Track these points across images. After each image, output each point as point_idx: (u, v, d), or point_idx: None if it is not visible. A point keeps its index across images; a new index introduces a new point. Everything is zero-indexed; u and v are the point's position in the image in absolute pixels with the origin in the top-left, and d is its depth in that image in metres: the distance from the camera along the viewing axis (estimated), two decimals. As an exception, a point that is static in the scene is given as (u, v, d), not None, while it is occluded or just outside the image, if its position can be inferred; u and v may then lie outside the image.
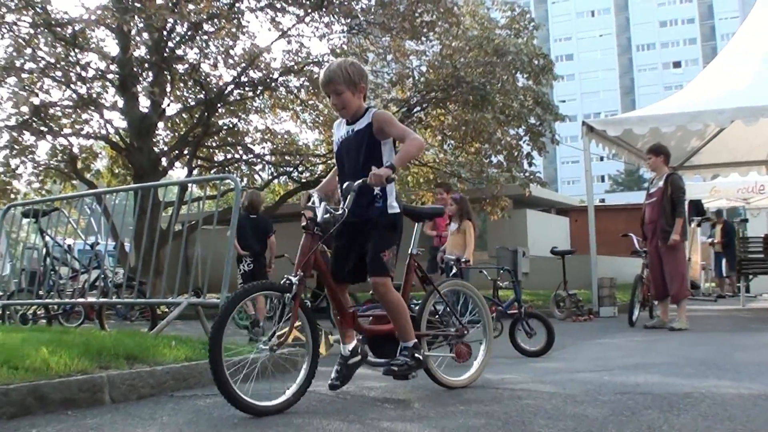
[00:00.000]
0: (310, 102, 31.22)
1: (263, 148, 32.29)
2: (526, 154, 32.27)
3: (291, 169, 33.94)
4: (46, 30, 25.48)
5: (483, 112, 28.40)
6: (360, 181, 6.88)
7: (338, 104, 7.34)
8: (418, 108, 31.01)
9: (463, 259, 13.83)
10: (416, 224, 8.35)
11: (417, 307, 8.05)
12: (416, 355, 7.16)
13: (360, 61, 28.42)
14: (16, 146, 28.35)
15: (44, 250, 16.59)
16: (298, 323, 7.04)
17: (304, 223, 7.12)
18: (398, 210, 7.41)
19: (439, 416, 6.40)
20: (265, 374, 7.01)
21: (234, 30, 27.31)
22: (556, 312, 18.42)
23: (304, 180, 33.52)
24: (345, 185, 7.03)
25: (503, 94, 28.86)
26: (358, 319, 7.50)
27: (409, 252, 7.99)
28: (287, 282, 6.84)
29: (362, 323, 7.58)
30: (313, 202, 7.30)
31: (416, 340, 7.29)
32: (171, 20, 25.40)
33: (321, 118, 32.71)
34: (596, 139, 20.98)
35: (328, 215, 7.02)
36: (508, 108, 29.38)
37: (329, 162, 31.82)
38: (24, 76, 26.50)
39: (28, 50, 26.42)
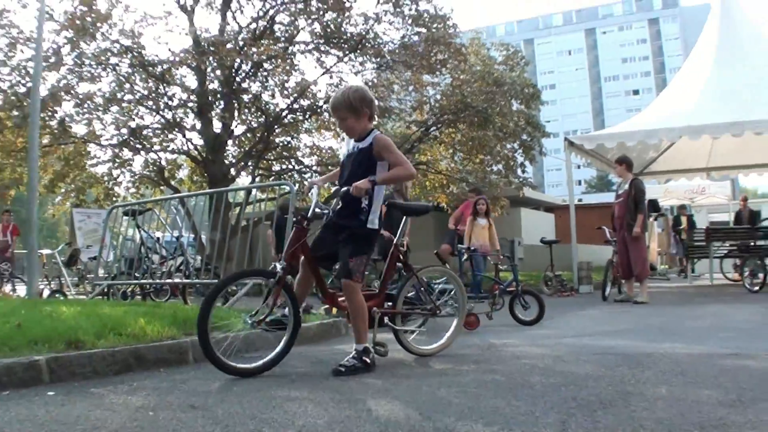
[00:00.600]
0: (347, 124, 31.12)
1: (311, 160, 32.25)
2: (520, 163, 32.48)
3: (333, 177, 33.69)
4: (141, 69, 25.67)
5: (486, 131, 28.55)
6: (345, 188, 6.72)
7: (343, 128, 7.23)
8: (434, 128, 30.98)
9: (492, 251, 14.21)
10: (405, 217, 8.31)
11: (396, 289, 7.76)
12: (364, 358, 6.60)
13: (387, 91, 28.60)
14: (117, 160, 28.69)
15: (139, 242, 16.60)
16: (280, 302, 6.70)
17: (296, 218, 7.01)
18: (376, 227, 6.99)
19: (455, 373, 6.38)
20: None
21: (288, 68, 27.34)
22: (545, 289, 18.41)
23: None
24: (334, 190, 7.04)
25: (501, 116, 28.86)
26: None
27: (395, 242, 7.76)
28: (273, 269, 6.69)
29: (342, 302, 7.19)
30: (312, 194, 7.18)
31: (367, 345, 6.76)
32: (238, 60, 25.45)
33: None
34: (575, 151, 21.15)
35: (318, 211, 6.93)
36: (506, 127, 29.43)
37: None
38: (123, 105, 26.75)
39: (127, 85, 26.59)
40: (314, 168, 32.79)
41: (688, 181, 29.12)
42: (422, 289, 7.94)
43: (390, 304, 7.46)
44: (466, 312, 8.49)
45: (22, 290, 21.69)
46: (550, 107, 61.44)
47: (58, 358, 6.05)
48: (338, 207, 6.90)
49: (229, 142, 29.34)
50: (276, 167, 31.98)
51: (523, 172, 33.72)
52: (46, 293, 18.97)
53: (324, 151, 32.19)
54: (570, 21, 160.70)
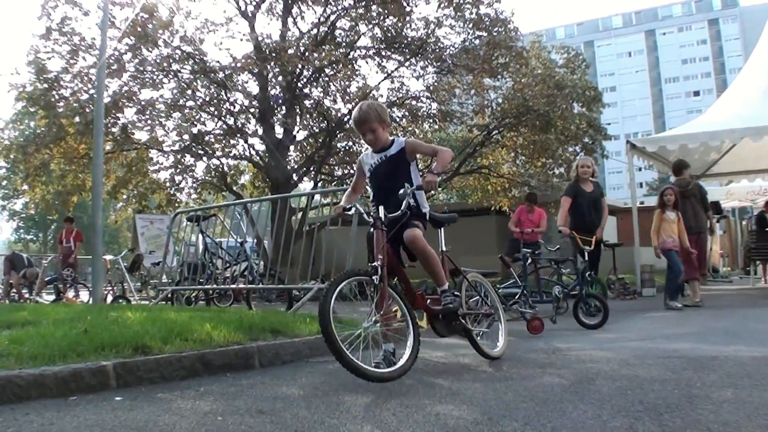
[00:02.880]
0: (409, 129, 31.16)
1: (373, 165, 32.32)
2: (582, 166, 32.05)
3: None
4: (202, 75, 25.86)
5: (547, 134, 28.53)
6: (415, 186, 6.88)
7: (372, 140, 7.23)
8: (496, 131, 30.92)
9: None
10: (439, 229, 7.74)
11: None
12: (455, 293, 7.18)
13: (449, 95, 28.66)
14: (179, 166, 28.92)
15: (203, 247, 16.68)
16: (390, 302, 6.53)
17: (373, 222, 6.84)
18: (426, 209, 7.28)
19: (521, 377, 6.34)
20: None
21: (349, 73, 27.38)
22: (608, 292, 18.25)
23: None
24: (401, 191, 6.75)
25: (563, 119, 28.79)
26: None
27: (440, 250, 7.58)
28: (372, 268, 6.51)
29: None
30: (357, 209, 7.41)
31: (448, 284, 7.18)
32: (300, 66, 25.49)
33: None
34: (637, 153, 20.97)
35: (389, 215, 6.79)
36: (567, 130, 29.33)
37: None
38: (186, 111, 26.93)
39: (189, 91, 26.78)
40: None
41: (749, 183, 28.71)
42: (477, 292, 7.97)
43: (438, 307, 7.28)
44: (504, 315, 8.44)
45: (84, 295, 21.96)
46: (611, 110, 61.03)
47: (125, 363, 6.06)
48: (406, 206, 6.80)
49: (291, 147, 29.44)
50: (338, 172, 32.07)
51: (585, 175, 33.41)
52: (109, 299, 19.15)
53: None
54: (630, 23, 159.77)
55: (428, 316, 7.17)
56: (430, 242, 7.02)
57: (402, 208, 6.74)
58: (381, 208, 6.81)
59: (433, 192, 7.05)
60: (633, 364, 6.94)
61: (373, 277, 6.42)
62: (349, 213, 7.56)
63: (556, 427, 4.32)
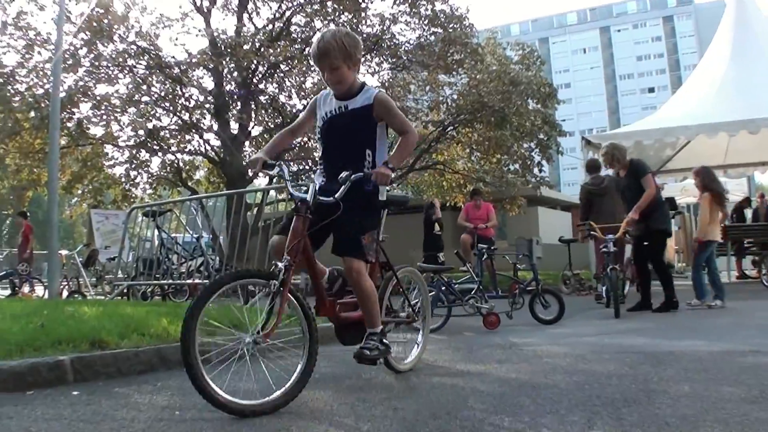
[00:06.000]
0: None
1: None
2: (537, 162, 32.33)
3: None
4: (158, 71, 25.78)
5: (502, 130, 28.68)
6: (360, 173, 5.37)
7: (332, 80, 5.64)
8: (451, 127, 31.11)
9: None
10: (383, 210, 6.28)
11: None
12: (384, 341, 5.70)
13: (404, 91, 28.61)
14: (135, 161, 28.87)
15: (159, 243, 16.66)
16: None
17: (294, 205, 5.37)
18: (384, 198, 5.90)
19: (478, 373, 6.36)
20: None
21: (304, 69, 27.42)
22: (563, 288, 18.29)
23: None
24: (342, 175, 5.31)
25: (518, 116, 28.98)
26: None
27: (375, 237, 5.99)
28: (275, 268, 5.14)
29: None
30: (282, 172, 5.57)
31: (383, 327, 5.80)
32: (255, 62, 25.50)
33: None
34: (592, 150, 20.97)
35: (317, 198, 5.36)
36: (522, 127, 29.54)
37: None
38: (141, 106, 26.83)
39: (144, 87, 26.72)
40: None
41: (704, 179, 28.86)
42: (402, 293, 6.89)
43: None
44: (430, 322, 7.46)
45: (40, 290, 21.85)
46: (566, 106, 61.19)
47: (82, 358, 6.06)
48: (342, 195, 5.35)
49: (247, 143, 29.41)
50: (293, 168, 32.07)
51: (540, 171, 33.66)
52: (65, 294, 19.08)
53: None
54: (584, 19, 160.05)
55: (336, 326, 6.05)
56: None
57: (337, 195, 5.33)
58: (312, 187, 5.44)
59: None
60: (590, 359, 6.99)
61: (271, 282, 5.06)
62: (270, 173, 5.80)
63: (514, 421, 4.36)
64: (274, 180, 29.15)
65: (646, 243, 12.94)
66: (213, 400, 4.63)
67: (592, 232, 13.58)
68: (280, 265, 5.10)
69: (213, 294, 4.82)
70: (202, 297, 4.79)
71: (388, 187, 5.87)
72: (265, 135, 30.23)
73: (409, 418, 4.55)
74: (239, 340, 5.03)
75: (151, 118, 27.95)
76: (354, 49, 5.64)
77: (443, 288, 10.71)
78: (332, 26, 27.54)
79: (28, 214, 26.30)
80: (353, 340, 5.93)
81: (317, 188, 5.55)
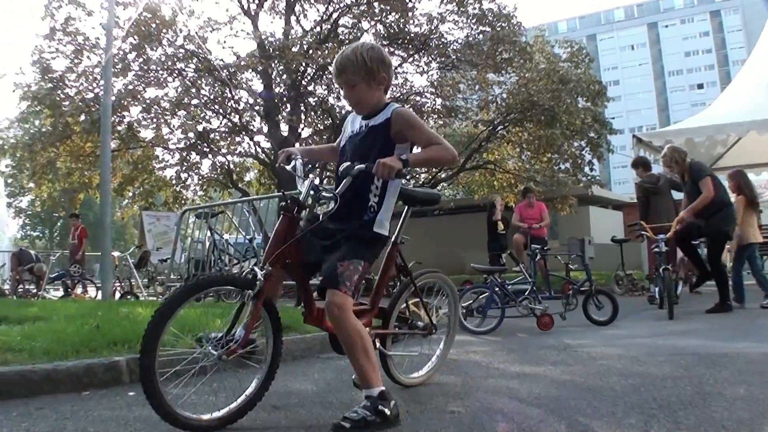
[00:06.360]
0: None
1: (378, 162, 32.36)
2: (588, 161, 32.07)
3: (400, 178, 33.84)
4: (206, 74, 25.86)
5: (553, 129, 28.47)
6: (363, 165, 4.59)
7: (350, 99, 5.01)
8: (501, 126, 31.01)
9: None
10: (406, 209, 5.81)
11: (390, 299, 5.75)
12: (381, 408, 4.39)
13: (453, 90, 28.53)
14: (185, 163, 29.02)
15: (211, 244, 16.71)
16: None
17: (284, 204, 4.80)
18: (385, 233, 4.94)
19: (533, 375, 6.30)
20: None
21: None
22: (615, 288, 18.13)
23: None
24: (343, 166, 4.69)
25: (568, 114, 28.73)
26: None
27: (392, 240, 5.47)
28: (251, 275, 4.51)
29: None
30: (294, 167, 5.06)
31: (383, 389, 4.51)
32: (303, 64, 25.52)
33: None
34: (643, 148, 20.82)
35: (313, 194, 4.73)
36: (572, 125, 29.32)
37: (432, 171, 31.90)
38: (190, 109, 26.97)
39: (194, 90, 26.87)
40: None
41: (756, 176, 28.49)
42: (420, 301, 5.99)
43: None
44: (457, 329, 6.73)
45: (92, 291, 22.03)
46: (615, 103, 60.77)
47: (138, 358, 6.08)
48: (343, 190, 4.69)
49: (297, 144, 29.46)
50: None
51: (591, 170, 33.43)
52: (117, 295, 19.21)
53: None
54: (632, 15, 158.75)
55: (330, 334, 5.04)
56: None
57: (337, 191, 4.69)
58: (307, 183, 4.78)
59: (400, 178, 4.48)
60: (644, 361, 6.87)
61: (246, 291, 4.52)
62: (287, 166, 5.15)
63: (570, 424, 4.33)
64: (324, 181, 29.25)
65: (698, 242, 12.82)
66: (167, 417, 4.28)
67: (643, 233, 13.46)
68: (259, 273, 4.49)
69: (186, 299, 4.38)
70: (174, 301, 4.33)
71: (403, 181, 5.08)
72: (314, 137, 30.26)
73: (466, 421, 4.51)
74: (203, 352, 4.55)
75: (200, 120, 28.09)
76: (378, 64, 4.89)
77: (497, 289, 10.66)
78: (380, 27, 27.71)
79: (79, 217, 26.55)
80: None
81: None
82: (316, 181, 4.83)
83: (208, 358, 4.49)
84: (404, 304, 5.87)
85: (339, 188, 4.65)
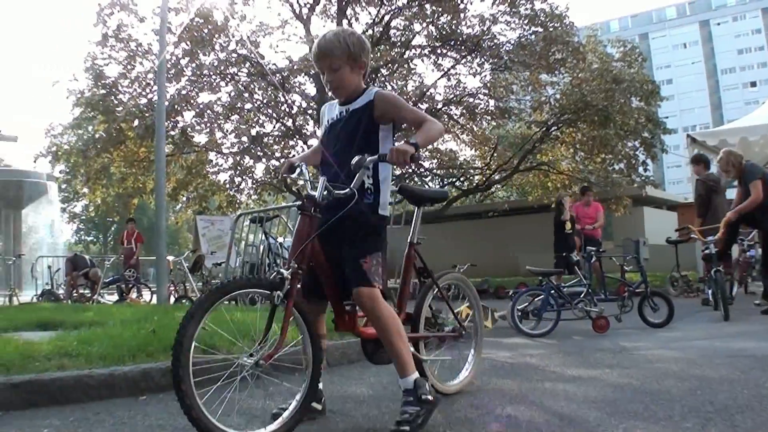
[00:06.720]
0: (467, 126, 31.28)
1: (431, 163, 32.41)
2: (642, 161, 31.83)
3: (454, 179, 34.44)
4: (259, 78, 25.96)
5: (606, 129, 28.19)
6: (375, 156, 4.56)
7: (333, 82, 4.90)
8: (554, 128, 30.89)
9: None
10: (416, 208, 5.64)
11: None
12: (423, 396, 4.48)
13: (507, 92, 28.54)
14: (239, 167, 29.14)
15: (267, 248, 16.72)
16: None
17: (300, 203, 4.61)
18: (387, 214, 4.95)
19: (590, 378, 6.31)
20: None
21: (405, 72, 27.48)
22: (671, 290, 18.00)
23: (465, 188, 33.89)
24: (355, 160, 4.50)
25: (622, 114, 28.49)
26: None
27: (409, 240, 5.51)
28: (278, 277, 4.34)
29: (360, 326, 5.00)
30: (301, 173, 5.00)
31: (418, 374, 4.65)
32: (356, 66, 25.56)
33: (477, 139, 32.81)
34: (697, 147, 20.69)
35: (326, 193, 4.55)
36: (626, 125, 29.04)
37: (486, 172, 31.86)
38: (244, 113, 27.13)
39: (246, 94, 26.99)
40: (435, 171, 32.96)
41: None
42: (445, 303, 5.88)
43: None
44: (483, 334, 6.46)
45: (146, 296, 22.22)
46: (668, 103, 60.47)
47: (195, 363, 6.04)
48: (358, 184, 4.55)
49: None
50: (397, 172, 32.12)
51: (645, 170, 33.27)
52: (172, 299, 19.32)
53: (444, 153, 32.26)
54: (683, 13, 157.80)
55: (362, 340, 5.16)
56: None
57: (352, 185, 4.53)
58: (322, 180, 4.60)
59: (406, 168, 4.43)
60: (700, 363, 6.85)
61: (275, 293, 4.35)
62: (293, 176, 5.13)
63: (628, 428, 4.29)
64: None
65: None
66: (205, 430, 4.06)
67: (692, 235, 13.32)
68: (285, 273, 4.33)
69: (213, 304, 4.23)
70: (201, 305, 4.20)
71: (388, 207, 5.01)
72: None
73: (523, 425, 4.48)
74: (239, 364, 4.42)
75: (254, 124, 28.28)
76: (359, 50, 4.90)
77: (552, 292, 10.59)
78: (431, 28, 27.70)
79: (135, 221, 26.75)
80: (385, 358, 5.01)
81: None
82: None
83: (245, 368, 4.39)
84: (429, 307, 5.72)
85: (354, 182, 4.54)
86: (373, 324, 4.72)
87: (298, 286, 4.44)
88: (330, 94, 5.24)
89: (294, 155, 30.00)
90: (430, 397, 4.49)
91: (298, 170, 5.02)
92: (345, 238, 4.71)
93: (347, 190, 4.51)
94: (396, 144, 4.65)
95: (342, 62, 4.83)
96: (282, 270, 4.35)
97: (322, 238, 4.61)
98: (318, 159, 5.25)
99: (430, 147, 32.02)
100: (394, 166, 4.83)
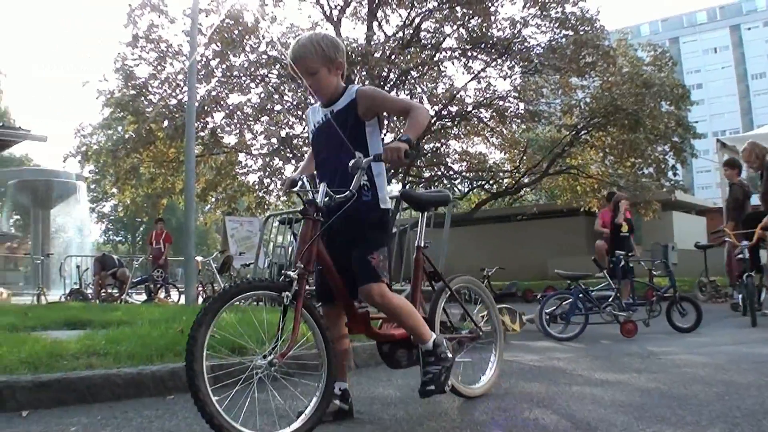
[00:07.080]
0: (497, 129, 31.29)
1: (461, 166, 32.50)
2: (671, 166, 31.74)
3: (483, 182, 34.38)
4: (289, 80, 25.99)
5: (636, 133, 28.19)
6: (371, 157, 4.65)
7: (312, 85, 4.96)
8: (584, 131, 30.86)
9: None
10: (422, 214, 5.66)
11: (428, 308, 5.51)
12: (442, 354, 4.83)
13: (537, 95, 28.52)
14: (268, 169, 29.13)
15: (294, 249, 16.74)
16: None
17: (302, 208, 4.64)
18: (389, 206, 4.97)
19: (617, 382, 6.27)
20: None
21: (435, 75, 27.48)
22: (699, 295, 17.96)
23: (494, 191, 33.82)
24: (352, 161, 4.57)
25: (652, 118, 28.49)
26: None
27: (416, 245, 5.52)
28: (286, 279, 4.39)
29: (375, 328, 5.13)
30: (303, 185, 4.92)
31: (435, 336, 4.91)
32: (386, 69, 25.54)
33: (506, 142, 32.79)
34: (727, 152, 20.60)
35: (327, 198, 4.61)
36: (656, 129, 29.02)
37: (515, 176, 31.84)
38: (273, 115, 27.14)
39: (276, 96, 26.99)
40: (464, 174, 32.94)
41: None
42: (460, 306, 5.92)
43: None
44: (504, 337, 6.45)
45: (175, 296, 22.27)
46: (698, 107, 60.41)
47: (222, 364, 6.04)
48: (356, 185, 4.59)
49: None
50: (426, 173, 32.11)
51: (675, 174, 33.20)
52: (200, 299, 19.35)
53: (473, 156, 32.25)
54: (714, 18, 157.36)
55: (377, 343, 5.30)
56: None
57: (351, 187, 4.56)
58: (322, 186, 4.67)
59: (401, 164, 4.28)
60: (728, 369, 6.86)
61: (284, 294, 4.39)
62: (295, 190, 5.04)
63: (655, 433, 4.27)
64: (407, 186, 29.23)
65: None
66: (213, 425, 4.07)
67: (726, 239, 13.26)
68: (292, 274, 4.39)
69: (223, 305, 4.28)
70: (212, 307, 4.21)
71: (388, 199, 5.04)
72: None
73: (550, 428, 4.47)
74: (254, 366, 4.46)
75: (283, 126, 28.27)
76: (334, 51, 4.95)
77: (580, 295, 10.56)
78: (462, 31, 27.66)
79: (164, 222, 26.82)
80: (402, 362, 5.18)
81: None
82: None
83: (260, 369, 4.43)
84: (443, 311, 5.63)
85: (353, 184, 4.57)
86: (387, 315, 4.93)
87: (306, 286, 4.46)
88: (311, 98, 5.26)
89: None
90: (448, 354, 4.85)
91: (299, 183, 5.00)
92: (351, 238, 4.77)
93: (347, 192, 4.56)
94: (390, 142, 4.66)
95: (318, 65, 4.89)
96: (289, 272, 4.41)
97: (329, 242, 4.71)
98: (311, 171, 5.27)
99: (459, 150, 32.06)
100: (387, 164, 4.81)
